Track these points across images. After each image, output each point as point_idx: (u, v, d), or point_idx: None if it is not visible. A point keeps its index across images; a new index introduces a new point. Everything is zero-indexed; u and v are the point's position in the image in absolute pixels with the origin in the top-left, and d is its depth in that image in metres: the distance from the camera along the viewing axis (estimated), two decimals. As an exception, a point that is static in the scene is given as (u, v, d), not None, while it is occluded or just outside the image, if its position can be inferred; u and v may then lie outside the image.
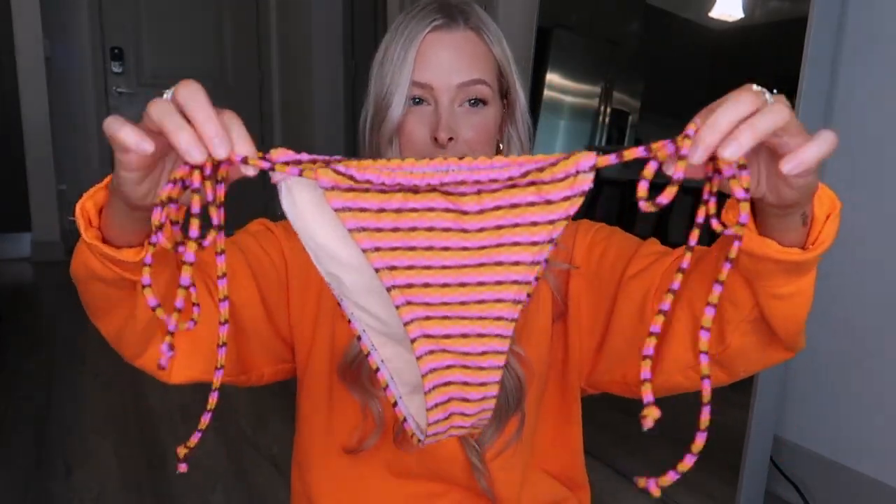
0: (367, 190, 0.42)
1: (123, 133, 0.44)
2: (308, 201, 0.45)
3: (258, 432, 1.85)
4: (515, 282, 0.44)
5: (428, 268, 0.44)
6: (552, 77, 2.14)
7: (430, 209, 0.42)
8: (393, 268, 0.44)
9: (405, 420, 0.51)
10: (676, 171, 0.41)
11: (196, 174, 0.42)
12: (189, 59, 4.70)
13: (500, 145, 0.74)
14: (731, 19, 1.67)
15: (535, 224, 0.42)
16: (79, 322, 3.11)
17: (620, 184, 2.05)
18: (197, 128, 0.42)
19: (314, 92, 4.35)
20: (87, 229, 0.53)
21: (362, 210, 0.43)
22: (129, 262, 0.53)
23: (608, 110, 2.08)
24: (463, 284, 0.44)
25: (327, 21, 4.29)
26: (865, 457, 1.41)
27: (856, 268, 1.41)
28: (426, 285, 0.44)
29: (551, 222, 0.42)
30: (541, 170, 0.41)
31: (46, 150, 3.94)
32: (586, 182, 0.41)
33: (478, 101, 0.69)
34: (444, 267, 0.44)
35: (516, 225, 0.42)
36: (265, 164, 0.43)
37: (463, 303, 0.44)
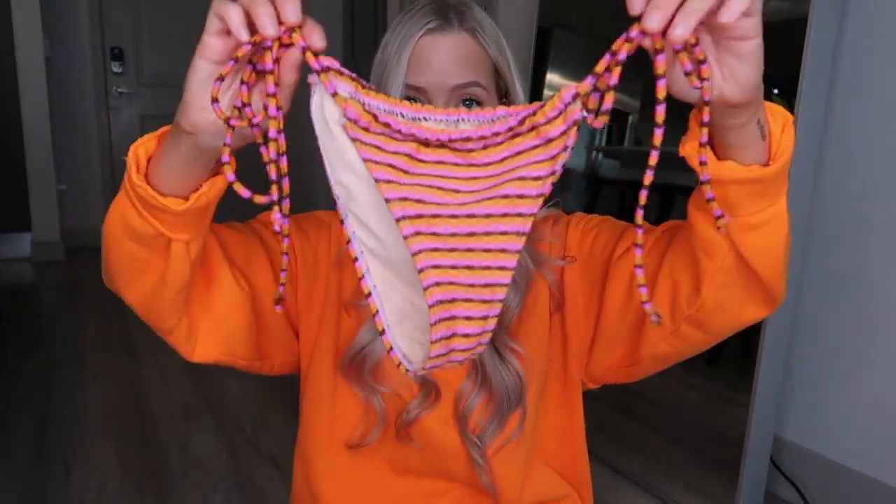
0: (382, 133, 0.46)
1: (232, 12, 0.48)
2: (336, 109, 0.47)
3: (259, 432, 1.85)
4: (520, 214, 0.46)
5: (438, 203, 0.46)
6: (552, 77, 2.14)
7: (440, 162, 0.46)
8: (404, 199, 0.46)
9: (391, 349, 0.51)
10: (621, 52, 0.45)
11: (268, 55, 0.46)
12: (189, 59, 4.68)
13: None
14: (731, 19, 1.67)
15: (538, 162, 0.45)
16: (79, 322, 3.12)
17: (620, 183, 2.05)
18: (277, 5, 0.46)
19: (314, 92, 4.36)
20: (135, 173, 0.54)
21: (378, 147, 0.46)
22: (171, 212, 0.54)
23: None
24: (471, 216, 0.46)
25: (327, 21, 4.29)
26: (865, 457, 1.41)
27: (855, 266, 1.41)
28: (435, 216, 0.46)
29: (552, 157, 0.45)
30: (534, 114, 0.44)
31: (46, 150, 3.94)
32: (576, 112, 0.44)
33: (472, 102, 0.68)
34: (448, 203, 0.46)
35: (520, 166, 0.45)
36: (316, 65, 0.46)
37: (471, 234, 0.46)
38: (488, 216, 0.46)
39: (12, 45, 3.79)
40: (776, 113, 0.53)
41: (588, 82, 0.45)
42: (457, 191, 0.46)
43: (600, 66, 0.44)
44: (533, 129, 0.45)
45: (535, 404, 0.76)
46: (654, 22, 0.43)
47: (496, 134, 0.45)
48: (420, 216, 0.46)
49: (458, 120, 0.46)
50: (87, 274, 3.82)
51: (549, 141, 0.45)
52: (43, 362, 2.39)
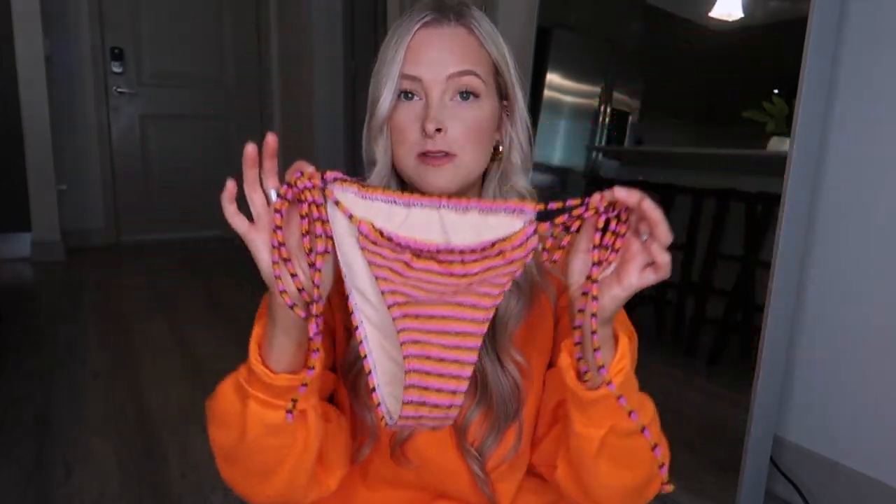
0: (386, 246, 0.57)
1: (236, 219, 0.58)
2: (352, 226, 0.59)
3: (258, 432, 1.85)
4: (484, 307, 0.59)
5: (421, 299, 0.59)
6: (552, 77, 2.15)
7: (428, 270, 0.57)
8: (395, 291, 0.59)
9: (379, 404, 0.60)
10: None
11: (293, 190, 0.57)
12: (189, 59, 4.70)
13: (500, 146, 0.74)
14: (731, 19, 1.67)
15: (502, 274, 0.58)
16: (79, 322, 3.12)
17: (620, 183, 2.05)
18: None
19: (314, 92, 4.35)
20: (266, 374, 0.61)
21: (382, 256, 0.58)
22: (304, 386, 0.61)
23: (608, 110, 2.08)
24: (446, 303, 0.59)
25: (327, 21, 4.29)
26: (865, 457, 1.41)
27: (855, 268, 1.41)
28: (419, 304, 0.59)
29: (513, 272, 0.58)
30: (503, 240, 0.56)
31: (46, 150, 3.94)
32: (534, 242, 0.57)
33: (469, 94, 0.68)
34: (434, 293, 0.59)
35: (487, 278, 0.58)
36: (332, 198, 0.58)
37: (444, 317, 0.59)
38: (459, 305, 0.59)
39: (12, 45, 3.79)
40: (628, 386, 0.61)
41: (546, 226, 0.56)
42: (437, 291, 0.58)
43: (560, 219, 0.57)
44: (500, 253, 0.56)
45: (531, 423, 0.76)
46: (632, 198, 0.57)
47: (473, 251, 0.57)
48: (407, 303, 0.59)
49: (440, 206, 0.57)
50: (87, 274, 3.83)
51: (512, 262, 0.57)
52: (43, 362, 2.39)
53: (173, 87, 4.67)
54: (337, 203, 0.57)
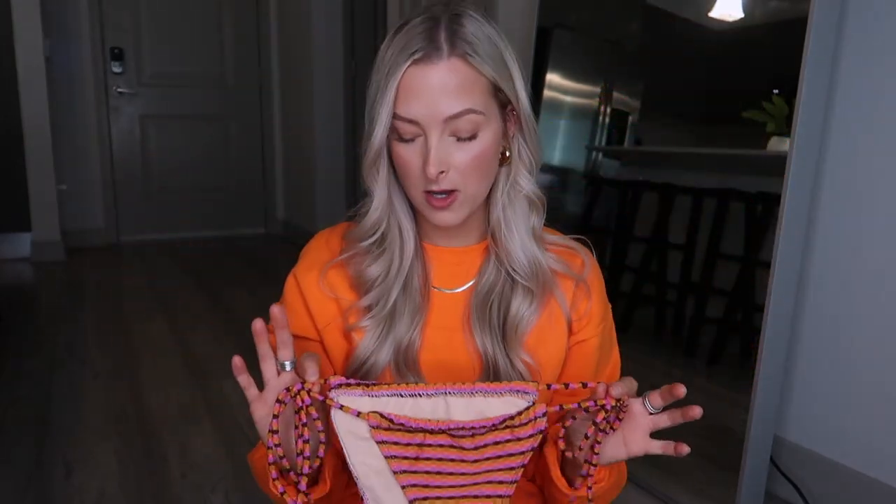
0: (399, 430, 0.61)
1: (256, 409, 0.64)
2: (361, 423, 0.62)
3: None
4: (500, 495, 0.63)
5: (439, 485, 0.63)
6: (552, 77, 2.14)
7: (440, 446, 0.61)
8: (415, 485, 0.62)
9: None
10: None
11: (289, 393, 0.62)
12: (189, 60, 4.70)
13: (507, 152, 0.73)
14: (730, 19, 1.67)
15: (511, 455, 0.61)
16: (79, 322, 3.12)
17: (620, 183, 2.05)
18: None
19: (314, 92, 4.35)
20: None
21: (395, 443, 0.61)
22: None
23: (608, 110, 2.08)
24: (465, 497, 0.63)
25: (327, 21, 4.29)
26: (865, 457, 1.41)
27: (856, 269, 1.41)
28: (438, 498, 0.63)
29: (522, 453, 0.61)
30: (512, 417, 0.60)
31: (46, 150, 3.94)
32: (543, 423, 0.60)
33: (470, 137, 0.67)
34: (449, 486, 0.63)
35: (498, 456, 0.61)
36: (336, 405, 0.61)
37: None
38: (476, 497, 0.63)
39: (12, 45, 3.79)
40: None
41: (556, 409, 0.61)
42: (452, 473, 0.62)
43: (570, 411, 0.63)
44: (507, 428, 0.60)
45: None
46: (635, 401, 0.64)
47: (483, 426, 0.60)
48: (427, 498, 0.63)
49: (445, 393, 0.60)
50: (87, 274, 3.83)
51: (519, 439, 0.60)
52: (43, 362, 2.39)
53: (173, 88, 4.67)
54: (342, 407, 0.61)
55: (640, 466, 1.61)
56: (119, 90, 4.50)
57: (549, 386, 0.61)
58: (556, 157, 2.19)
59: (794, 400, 1.54)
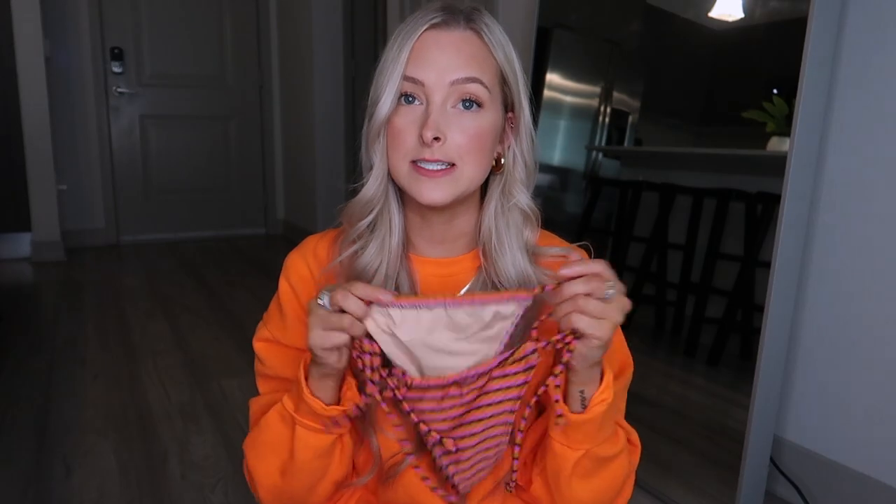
0: (421, 387, 0.65)
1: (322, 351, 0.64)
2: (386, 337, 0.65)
3: (258, 432, 1.85)
4: (505, 420, 0.68)
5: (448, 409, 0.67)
6: (552, 77, 2.15)
7: (459, 395, 0.66)
8: (430, 423, 0.68)
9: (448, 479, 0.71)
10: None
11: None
12: (189, 60, 4.70)
13: (502, 159, 0.72)
14: (731, 19, 1.67)
15: (509, 388, 0.66)
16: (79, 322, 3.12)
17: (620, 183, 2.05)
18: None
19: (314, 92, 4.35)
20: (321, 407, 0.67)
21: (419, 399, 0.66)
22: (340, 413, 0.67)
23: (608, 110, 2.08)
24: (477, 408, 0.67)
25: (327, 21, 4.29)
26: (865, 457, 1.41)
27: (855, 268, 1.41)
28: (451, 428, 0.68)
29: (518, 385, 0.66)
30: (506, 359, 0.64)
31: (46, 150, 3.94)
32: (534, 359, 0.64)
33: (472, 103, 0.66)
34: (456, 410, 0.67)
35: (497, 390, 0.66)
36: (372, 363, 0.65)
37: (472, 434, 0.68)
38: (490, 405, 0.67)
39: (12, 45, 3.79)
40: (605, 424, 0.68)
41: (542, 345, 0.64)
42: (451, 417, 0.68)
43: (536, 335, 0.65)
44: (501, 367, 0.64)
45: (528, 445, 0.76)
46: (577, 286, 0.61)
47: (480, 375, 0.65)
48: (445, 430, 0.68)
49: (445, 306, 0.63)
50: (87, 274, 3.83)
51: (506, 375, 0.65)
52: (43, 362, 2.39)
53: (173, 87, 4.67)
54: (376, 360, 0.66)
55: (639, 466, 1.61)
56: (119, 90, 4.50)
57: (543, 288, 0.62)
58: (556, 157, 2.19)
59: (794, 400, 1.54)
